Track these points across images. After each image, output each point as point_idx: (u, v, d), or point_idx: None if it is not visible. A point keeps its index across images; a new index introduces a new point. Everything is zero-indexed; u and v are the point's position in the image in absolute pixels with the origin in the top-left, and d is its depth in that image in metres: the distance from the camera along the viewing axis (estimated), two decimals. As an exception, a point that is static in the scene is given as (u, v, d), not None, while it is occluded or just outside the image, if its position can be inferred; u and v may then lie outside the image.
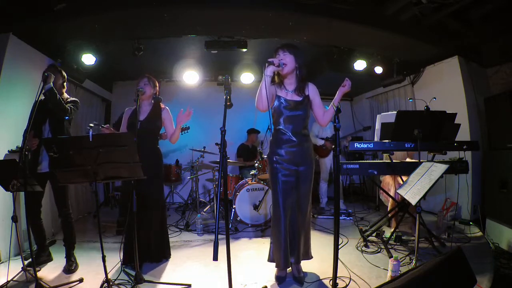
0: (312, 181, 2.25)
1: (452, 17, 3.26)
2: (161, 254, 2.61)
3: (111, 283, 1.95)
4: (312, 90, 2.22)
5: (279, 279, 2.20)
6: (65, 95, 2.56)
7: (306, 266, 2.36)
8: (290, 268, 2.25)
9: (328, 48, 4.04)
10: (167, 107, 2.63)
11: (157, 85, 2.64)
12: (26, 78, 2.97)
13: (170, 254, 2.69)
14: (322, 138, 4.66)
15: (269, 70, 2.04)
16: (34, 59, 3.15)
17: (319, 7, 2.99)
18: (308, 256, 2.32)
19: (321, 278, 2.24)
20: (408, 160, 3.33)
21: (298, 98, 2.16)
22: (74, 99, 2.54)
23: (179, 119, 2.44)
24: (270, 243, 2.29)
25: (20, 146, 2.08)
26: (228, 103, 1.76)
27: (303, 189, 2.18)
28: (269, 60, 2.06)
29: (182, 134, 2.50)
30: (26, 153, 2.11)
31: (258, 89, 2.04)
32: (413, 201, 1.93)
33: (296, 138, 2.15)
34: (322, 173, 4.77)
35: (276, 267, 2.24)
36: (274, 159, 2.17)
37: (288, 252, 2.15)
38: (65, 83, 2.60)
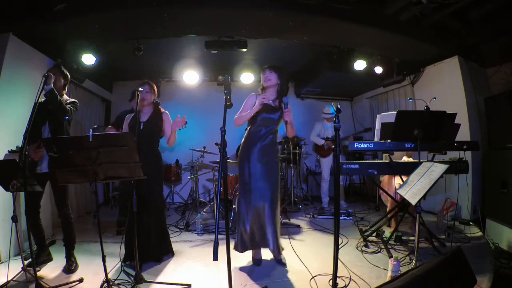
0: (279, 174, 2.53)
1: (452, 17, 3.25)
2: (162, 254, 2.64)
3: (111, 283, 1.95)
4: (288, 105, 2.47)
5: (255, 261, 2.51)
6: (65, 97, 2.56)
7: (306, 265, 2.37)
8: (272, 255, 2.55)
9: (328, 48, 4.04)
10: (167, 111, 2.70)
11: (156, 89, 2.72)
12: (26, 78, 2.97)
13: (173, 253, 2.74)
14: (323, 138, 4.68)
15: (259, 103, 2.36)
16: (34, 59, 3.14)
17: (319, 7, 2.99)
18: (280, 250, 2.52)
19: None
20: (405, 158, 3.33)
21: (275, 105, 2.48)
22: (73, 100, 2.55)
23: (175, 124, 2.53)
24: (236, 233, 2.54)
25: (20, 146, 2.08)
26: (228, 103, 1.78)
27: (271, 181, 2.42)
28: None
29: (179, 130, 2.57)
30: (26, 153, 2.11)
31: (244, 112, 2.43)
32: (413, 201, 1.93)
33: (268, 136, 2.46)
34: (323, 173, 4.79)
35: (234, 248, 2.45)
36: (246, 154, 2.43)
37: (246, 237, 2.43)
38: (66, 85, 2.60)
